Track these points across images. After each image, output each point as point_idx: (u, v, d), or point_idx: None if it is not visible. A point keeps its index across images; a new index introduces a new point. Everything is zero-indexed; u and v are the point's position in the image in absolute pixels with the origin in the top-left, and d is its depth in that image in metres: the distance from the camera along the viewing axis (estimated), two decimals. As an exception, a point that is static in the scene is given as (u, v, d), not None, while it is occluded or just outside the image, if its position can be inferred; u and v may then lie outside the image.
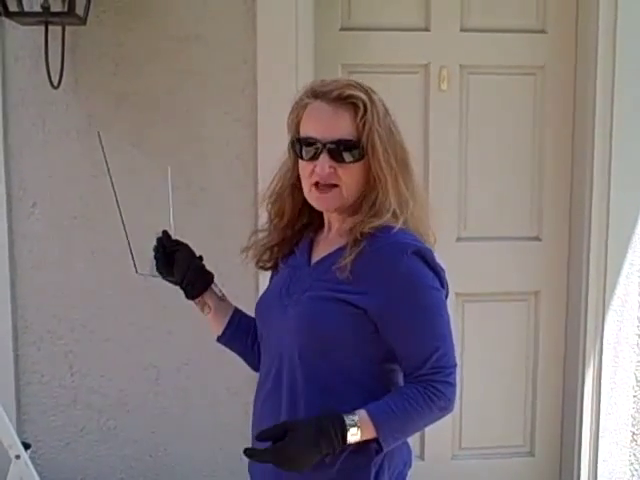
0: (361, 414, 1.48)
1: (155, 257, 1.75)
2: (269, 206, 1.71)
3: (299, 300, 1.59)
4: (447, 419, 2.95)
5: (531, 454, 3.10)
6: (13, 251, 2.65)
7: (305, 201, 1.64)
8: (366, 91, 1.59)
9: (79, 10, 2.41)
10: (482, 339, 3.02)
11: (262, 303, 1.74)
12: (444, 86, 2.91)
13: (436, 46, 2.89)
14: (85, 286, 2.69)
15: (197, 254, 1.77)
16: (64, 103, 2.62)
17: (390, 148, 1.57)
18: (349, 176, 1.56)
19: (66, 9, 2.34)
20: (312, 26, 2.73)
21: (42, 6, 2.36)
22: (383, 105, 1.61)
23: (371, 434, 1.49)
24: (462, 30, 2.91)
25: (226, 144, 2.69)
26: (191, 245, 1.77)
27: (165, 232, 1.76)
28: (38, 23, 2.44)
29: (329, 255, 1.62)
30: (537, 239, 3.02)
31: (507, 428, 3.08)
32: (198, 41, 2.66)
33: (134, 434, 2.74)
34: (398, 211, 1.57)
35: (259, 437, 1.49)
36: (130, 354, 2.71)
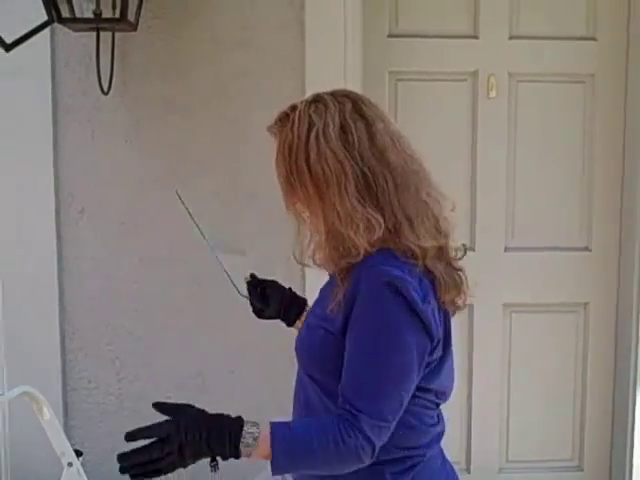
0: (263, 432, 1.39)
1: (250, 301, 1.86)
2: None
3: (305, 324, 1.66)
4: (494, 431, 2.94)
5: (580, 468, 3.04)
6: (62, 257, 2.65)
7: None
8: (281, 123, 1.54)
9: (130, 16, 2.41)
10: (530, 350, 2.97)
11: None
12: (492, 94, 2.87)
13: (484, 53, 2.86)
14: (132, 292, 2.68)
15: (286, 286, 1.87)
16: (113, 109, 2.63)
17: (302, 179, 1.49)
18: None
19: (118, 15, 2.34)
20: (360, 33, 2.71)
21: (94, 12, 2.37)
22: (309, 121, 1.49)
23: (265, 453, 1.39)
24: (511, 37, 2.87)
25: (274, 150, 2.67)
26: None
27: (252, 275, 1.88)
28: (90, 29, 2.45)
29: (328, 282, 1.62)
30: (586, 249, 2.97)
31: (555, 442, 3.02)
32: (246, 47, 2.65)
33: (179, 442, 2.72)
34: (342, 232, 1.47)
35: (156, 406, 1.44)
36: (176, 361, 2.70)
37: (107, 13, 2.43)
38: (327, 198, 1.47)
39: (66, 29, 2.49)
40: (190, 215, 1.91)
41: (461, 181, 2.90)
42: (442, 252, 1.53)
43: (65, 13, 2.37)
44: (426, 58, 2.85)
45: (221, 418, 1.40)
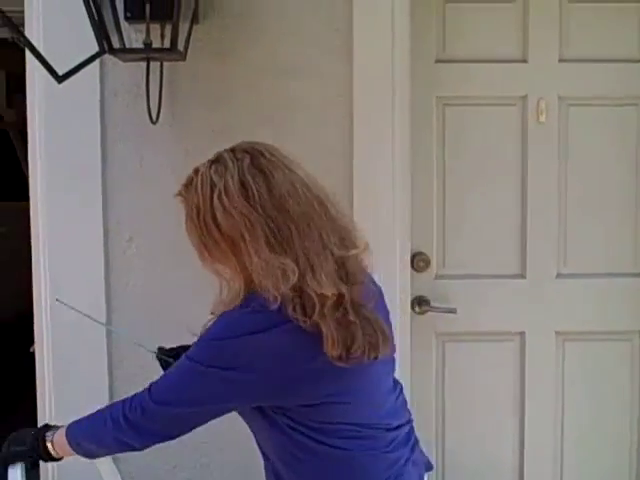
0: (60, 431, 1.75)
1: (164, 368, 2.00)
2: None
3: None
4: (548, 461, 2.86)
5: (637, 503, 2.95)
6: (109, 285, 2.65)
7: None
8: (186, 189, 1.63)
9: (180, 46, 2.41)
10: (584, 379, 2.90)
11: None
12: (542, 118, 2.82)
13: (534, 77, 2.82)
14: (179, 321, 2.65)
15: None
16: (161, 138, 2.63)
17: (214, 237, 1.58)
18: None
19: (168, 45, 2.34)
20: (408, 58, 2.68)
21: (144, 42, 2.37)
22: (201, 185, 1.59)
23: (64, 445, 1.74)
24: (560, 60, 2.82)
25: (322, 177, 2.64)
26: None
27: (160, 348, 2.07)
28: (140, 59, 2.46)
29: None
30: (641, 276, 2.90)
31: (611, 472, 2.93)
32: (293, 74, 2.64)
33: (227, 472, 2.69)
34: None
35: None
36: (224, 391, 2.67)
37: (156, 43, 2.44)
38: (242, 252, 1.53)
39: (115, 59, 2.50)
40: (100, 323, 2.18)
41: (511, 206, 2.85)
42: (343, 299, 1.52)
43: (116, 44, 2.38)
44: (474, 83, 2.81)
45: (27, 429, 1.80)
